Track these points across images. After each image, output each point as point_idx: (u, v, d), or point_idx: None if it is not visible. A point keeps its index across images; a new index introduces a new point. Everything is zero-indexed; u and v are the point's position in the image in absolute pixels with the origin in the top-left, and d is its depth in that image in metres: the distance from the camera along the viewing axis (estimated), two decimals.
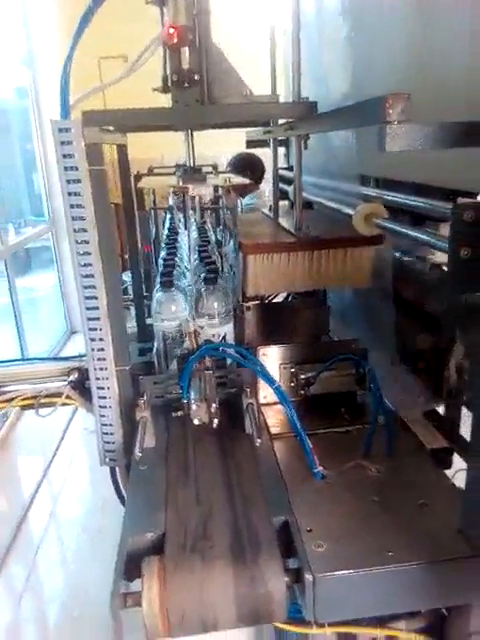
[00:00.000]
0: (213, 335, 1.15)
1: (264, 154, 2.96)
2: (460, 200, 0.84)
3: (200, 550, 0.76)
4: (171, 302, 1.15)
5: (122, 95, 1.48)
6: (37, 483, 2.77)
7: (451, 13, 0.82)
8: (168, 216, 2.16)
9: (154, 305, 1.17)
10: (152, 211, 1.94)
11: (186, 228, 1.52)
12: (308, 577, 0.72)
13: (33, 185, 5.05)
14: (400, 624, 0.87)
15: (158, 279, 1.23)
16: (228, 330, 1.18)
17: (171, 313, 1.14)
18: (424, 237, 0.84)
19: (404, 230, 0.90)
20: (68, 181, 0.95)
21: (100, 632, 1.98)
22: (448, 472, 0.96)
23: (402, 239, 0.95)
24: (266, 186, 3.27)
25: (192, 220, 1.88)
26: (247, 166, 2.81)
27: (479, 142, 0.62)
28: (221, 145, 2.64)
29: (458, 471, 0.95)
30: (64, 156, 0.94)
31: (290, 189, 1.52)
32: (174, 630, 0.72)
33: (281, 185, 1.47)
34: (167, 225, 2.06)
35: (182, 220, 2.05)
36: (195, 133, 1.45)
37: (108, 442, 1.11)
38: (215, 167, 2.36)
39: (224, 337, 1.17)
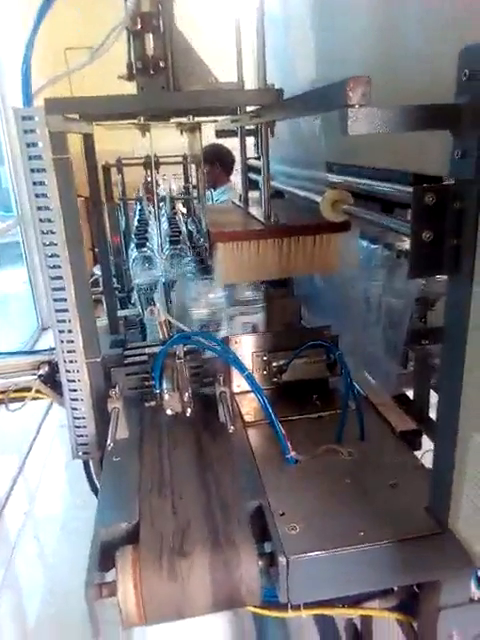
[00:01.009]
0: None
1: (236, 145, 2.96)
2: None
3: (174, 537, 0.76)
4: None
5: (94, 87, 1.44)
6: (12, 480, 2.73)
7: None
8: (138, 207, 2.14)
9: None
10: (121, 202, 1.92)
11: (156, 218, 1.50)
12: (282, 559, 0.73)
13: (0, 179, 4.94)
14: (374, 603, 0.89)
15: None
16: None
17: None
18: (386, 222, 0.85)
19: (369, 216, 0.91)
20: (32, 170, 0.94)
21: (79, 628, 1.97)
22: (417, 453, 0.99)
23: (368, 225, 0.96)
24: (237, 178, 3.27)
25: (163, 211, 1.87)
26: (215, 157, 2.80)
27: (439, 125, 0.63)
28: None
29: (426, 451, 0.98)
30: (28, 145, 0.92)
31: (260, 178, 1.52)
32: (149, 618, 0.72)
33: (252, 175, 1.47)
34: (136, 216, 2.04)
35: (152, 211, 2.04)
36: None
37: (80, 435, 1.10)
38: (185, 157, 2.34)
39: (254, 326, 1.21)
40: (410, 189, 0.93)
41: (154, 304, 1.19)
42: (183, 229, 1.75)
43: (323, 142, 1.04)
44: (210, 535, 0.77)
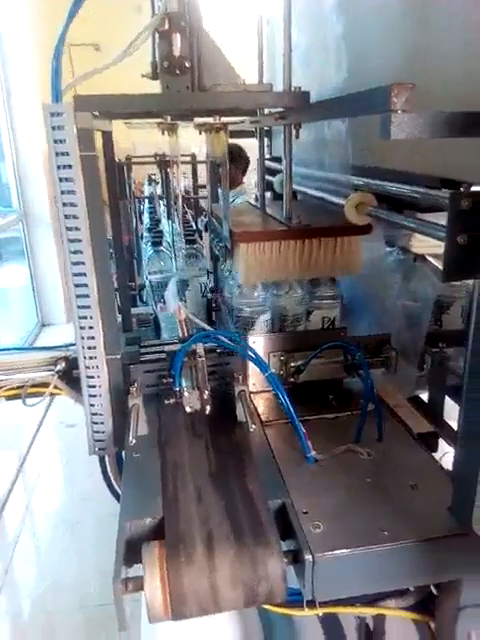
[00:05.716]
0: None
1: (244, 145, 2.96)
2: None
3: (199, 533, 0.77)
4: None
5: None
6: (12, 478, 2.72)
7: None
8: (147, 204, 2.15)
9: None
10: (134, 200, 1.93)
11: (169, 217, 1.51)
12: (308, 557, 0.73)
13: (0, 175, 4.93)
14: (390, 603, 0.90)
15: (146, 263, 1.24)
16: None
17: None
18: (415, 225, 0.86)
19: (395, 219, 0.92)
20: (59, 167, 0.94)
21: (76, 625, 1.97)
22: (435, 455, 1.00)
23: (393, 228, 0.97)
24: (248, 180, 3.28)
25: (173, 210, 1.88)
26: (232, 158, 2.81)
27: (478, 133, 0.64)
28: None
29: (445, 454, 0.99)
30: (55, 141, 0.92)
31: (275, 180, 1.53)
32: (176, 613, 0.72)
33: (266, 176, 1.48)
34: (146, 213, 2.05)
35: (162, 208, 2.04)
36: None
37: (97, 431, 1.11)
38: (194, 157, 2.36)
39: (333, 321, 1.22)
40: (432, 192, 0.95)
41: (164, 300, 1.19)
42: (193, 226, 1.76)
43: (350, 145, 1.05)
44: (235, 532, 0.77)
